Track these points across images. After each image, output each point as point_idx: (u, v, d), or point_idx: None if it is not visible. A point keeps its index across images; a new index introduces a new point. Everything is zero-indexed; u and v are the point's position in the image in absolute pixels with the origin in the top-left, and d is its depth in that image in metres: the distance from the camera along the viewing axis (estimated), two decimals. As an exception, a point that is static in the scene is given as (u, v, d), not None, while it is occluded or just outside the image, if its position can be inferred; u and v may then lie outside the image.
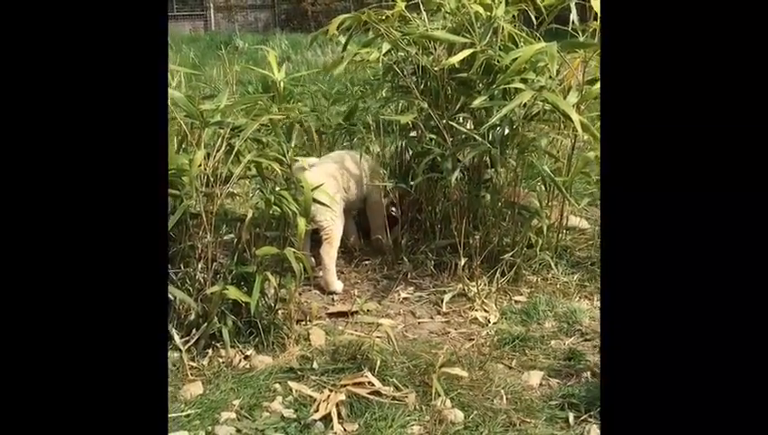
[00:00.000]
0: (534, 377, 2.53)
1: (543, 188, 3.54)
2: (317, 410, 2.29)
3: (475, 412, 2.30)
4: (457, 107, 3.38)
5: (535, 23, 3.42)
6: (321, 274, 3.35)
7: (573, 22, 3.29)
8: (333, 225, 3.35)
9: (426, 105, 3.33)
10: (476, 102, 3.08)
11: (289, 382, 2.47)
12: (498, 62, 3.14)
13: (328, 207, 3.09)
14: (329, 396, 2.34)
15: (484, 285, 3.24)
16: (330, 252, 3.34)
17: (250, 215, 2.73)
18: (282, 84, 3.52)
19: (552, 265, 3.36)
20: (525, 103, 3.04)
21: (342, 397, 2.33)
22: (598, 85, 3.07)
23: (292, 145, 3.27)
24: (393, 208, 3.65)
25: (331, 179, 3.34)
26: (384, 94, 3.91)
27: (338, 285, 3.34)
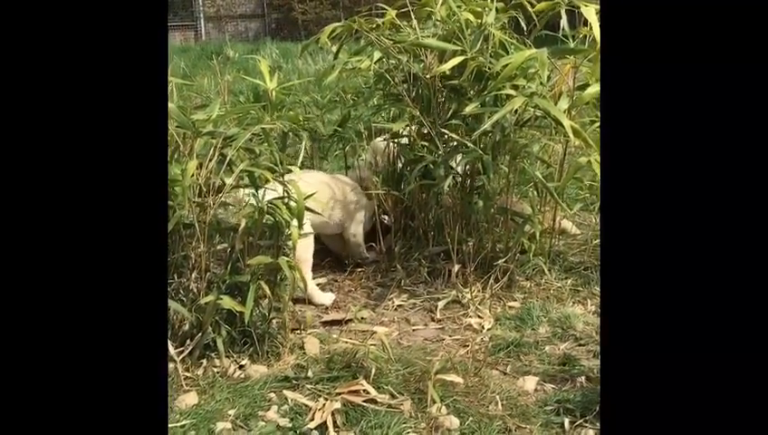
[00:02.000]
0: (529, 382, 2.53)
1: (536, 194, 3.55)
2: (312, 419, 2.29)
3: (471, 419, 2.30)
4: (449, 114, 3.39)
5: (526, 29, 3.44)
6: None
7: (563, 28, 3.31)
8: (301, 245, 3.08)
9: (417, 112, 3.34)
10: (468, 109, 3.09)
11: (284, 391, 2.47)
12: (489, 68, 3.16)
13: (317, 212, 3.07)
14: (324, 404, 2.34)
15: (478, 291, 3.25)
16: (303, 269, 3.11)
17: (243, 224, 2.73)
18: (274, 93, 3.52)
19: (546, 270, 3.36)
20: (517, 110, 3.06)
21: (338, 405, 2.33)
22: (588, 91, 3.08)
23: (285, 154, 3.27)
24: (386, 216, 3.65)
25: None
26: (376, 102, 3.92)
27: (325, 298, 3.29)
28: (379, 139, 3.78)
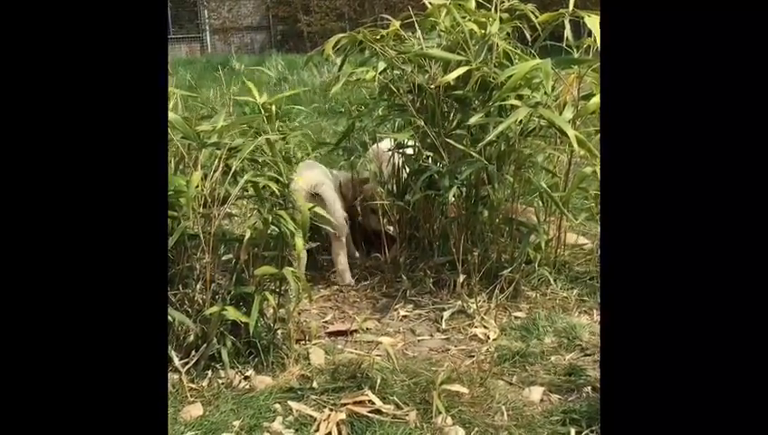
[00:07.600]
0: (535, 393, 2.52)
1: (541, 204, 3.54)
2: (318, 430, 2.29)
3: (477, 429, 2.29)
4: (454, 124, 3.39)
5: (530, 40, 3.44)
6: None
7: (567, 38, 3.32)
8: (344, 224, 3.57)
9: (422, 123, 3.34)
10: (473, 120, 3.09)
11: (289, 402, 2.46)
12: (493, 79, 3.16)
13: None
14: (329, 415, 2.34)
15: (484, 301, 3.24)
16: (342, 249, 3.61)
17: (248, 235, 2.73)
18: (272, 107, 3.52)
19: (551, 280, 3.36)
20: (521, 120, 3.06)
21: (343, 416, 2.32)
22: (593, 101, 3.09)
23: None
24: (391, 227, 3.65)
25: (329, 181, 3.55)
26: (380, 113, 3.93)
27: (348, 278, 3.61)
28: (383, 144, 3.79)
